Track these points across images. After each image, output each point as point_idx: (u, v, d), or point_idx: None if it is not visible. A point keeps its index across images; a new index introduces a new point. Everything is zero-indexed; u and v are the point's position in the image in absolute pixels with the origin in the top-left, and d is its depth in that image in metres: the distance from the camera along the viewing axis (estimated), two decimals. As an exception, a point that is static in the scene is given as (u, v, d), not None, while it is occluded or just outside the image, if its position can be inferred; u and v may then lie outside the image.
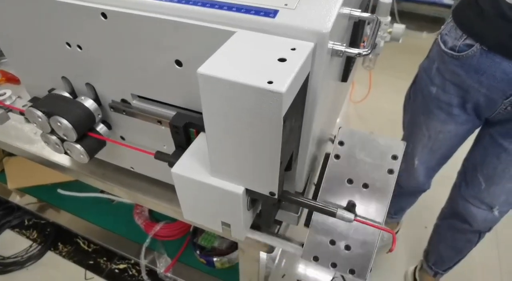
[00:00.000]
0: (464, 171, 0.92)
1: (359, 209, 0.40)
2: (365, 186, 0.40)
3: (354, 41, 0.54)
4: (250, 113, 0.29)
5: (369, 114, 1.94)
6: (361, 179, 0.40)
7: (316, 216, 0.42)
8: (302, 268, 1.35)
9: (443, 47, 0.76)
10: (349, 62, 0.56)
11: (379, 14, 0.81)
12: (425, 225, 1.46)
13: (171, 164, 0.45)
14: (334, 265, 0.43)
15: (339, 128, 0.39)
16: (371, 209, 0.41)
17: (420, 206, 1.26)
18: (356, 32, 0.53)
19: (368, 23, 0.63)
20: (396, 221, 1.37)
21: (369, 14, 0.42)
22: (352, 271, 0.42)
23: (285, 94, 0.26)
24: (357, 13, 0.42)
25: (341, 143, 0.40)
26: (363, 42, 0.65)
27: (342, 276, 1.31)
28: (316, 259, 0.44)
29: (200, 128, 0.44)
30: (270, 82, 0.27)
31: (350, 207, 0.41)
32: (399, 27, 0.79)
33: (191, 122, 0.43)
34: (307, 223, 0.44)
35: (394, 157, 0.38)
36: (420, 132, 0.90)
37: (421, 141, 0.91)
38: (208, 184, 0.37)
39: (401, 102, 1.01)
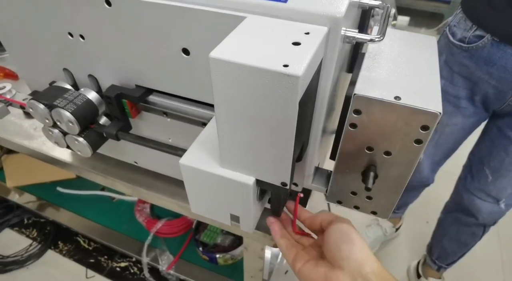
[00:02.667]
0: (470, 164, 0.91)
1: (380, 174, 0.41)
2: (387, 153, 0.39)
3: (360, 31, 0.53)
4: (264, 99, 0.28)
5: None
6: (383, 147, 0.38)
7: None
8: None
9: (451, 38, 0.75)
10: (356, 53, 0.55)
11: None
12: (427, 220, 1.46)
13: (108, 135, 0.49)
14: (357, 207, 0.47)
15: (354, 95, 0.35)
16: (392, 173, 0.40)
17: (422, 201, 1.26)
18: (363, 21, 0.52)
19: (373, 16, 0.63)
20: (399, 216, 1.36)
21: (379, 2, 0.42)
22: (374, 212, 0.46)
23: (302, 77, 0.25)
24: (367, 0, 0.41)
25: (357, 112, 0.36)
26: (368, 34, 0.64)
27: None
28: (339, 202, 0.47)
29: (132, 99, 0.46)
30: (285, 66, 0.26)
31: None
32: (403, 20, 0.78)
33: (123, 93, 0.46)
34: (333, 156, 0.45)
35: (424, 128, 0.35)
36: None
37: None
38: (218, 175, 0.36)
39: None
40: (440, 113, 0.34)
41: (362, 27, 0.53)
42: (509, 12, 0.63)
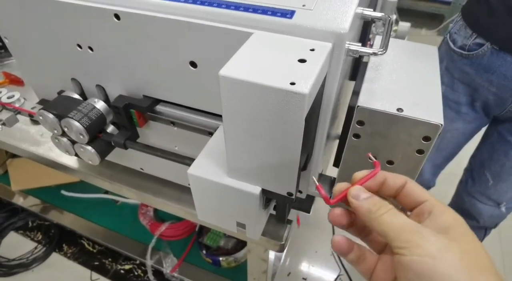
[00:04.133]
0: (471, 168, 0.92)
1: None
2: (390, 163, 0.40)
3: (362, 40, 0.54)
4: (272, 114, 0.29)
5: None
6: (385, 156, 0.39)
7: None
8: (306, 267, 1.35)
9: (452, 46, 0.76)
10: (359, 60, 0.56)
11: (384, 13, 0.81)
12: (429, 222, 1.46)
13: (116, 143, 0.49)
14: None
15: (357, 107, 0.36)
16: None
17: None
18: (365, 31, 0.53)
19: (374, 22, 0.63)
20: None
21: (382, 13, 0.42)
22: None
23: (308, 95, 0.27)
24: (370, 12, 0.42)
25: (360, 123, 0.37)
26: (369, 40, 0.65)
27: (348, 274, 1.32)
28: None
29: (140, 109, 0.47)
30: (292, 83, 0.27)
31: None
32: (404, 26, 0.79)
33: (131, 103, 0.47)
34: (336, 164, 0.44)
35: (426, 139, 0.36)
36: None
37: None
38: (225, 185, 0.37)
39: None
40: (441, 124, 0.35)
41: (364, 35, 0.54)
42: (508, 21, 0.64)
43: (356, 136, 0.39)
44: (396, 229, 0.26)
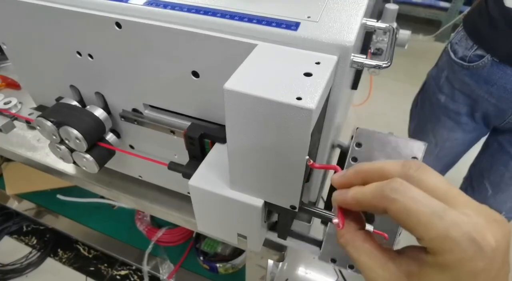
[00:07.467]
0: (470, 177, 0.92)
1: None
2: None
3: (364, 49, 0.54)
4: (277, 129, 0.28)
5: (368, 117, 1.94)
6: None
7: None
8: (303, 272, 1.35)
9: (453, 56, 0.76)
10: (360, 70, 0.56)
11: (385, 21, 0.81)
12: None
13: (186, 175, 0.44)
14: (351, 267, 0.44)
15: (356, 129, 0.38)
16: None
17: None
18: (367, 41, 0.53)
19: (374, 30, 0.64)
20: (399, 225, 1.37)
21: (386, 24, 0.42)
22: None
23: (315, 110, 0.26)
24: (374, 23, 0.42)
25: (358, 145, 0.39)
26: (370, 48, 0.65)
27: (344, 278, 1.31)
28: (333, 261, 0.45)
29: (215, 139, 0.43)
30: (299, 98, 0.26)
31: (369, 217, 0.40)
32: (405, 33, 0.78)
33: (206, 133, 0.43)
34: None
35: (414, 159, 0.38)
36: (426, 139, 0.91)
37: (427, 148, 0.92)
38: (227, 197, 0.37)
39: (400, 105, 1.02)
40: (425, 145, 0.36)
41: (366, 44, 0.54)
42: (509, 33, 0.64)
43: (354, 159, 0.39)
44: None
